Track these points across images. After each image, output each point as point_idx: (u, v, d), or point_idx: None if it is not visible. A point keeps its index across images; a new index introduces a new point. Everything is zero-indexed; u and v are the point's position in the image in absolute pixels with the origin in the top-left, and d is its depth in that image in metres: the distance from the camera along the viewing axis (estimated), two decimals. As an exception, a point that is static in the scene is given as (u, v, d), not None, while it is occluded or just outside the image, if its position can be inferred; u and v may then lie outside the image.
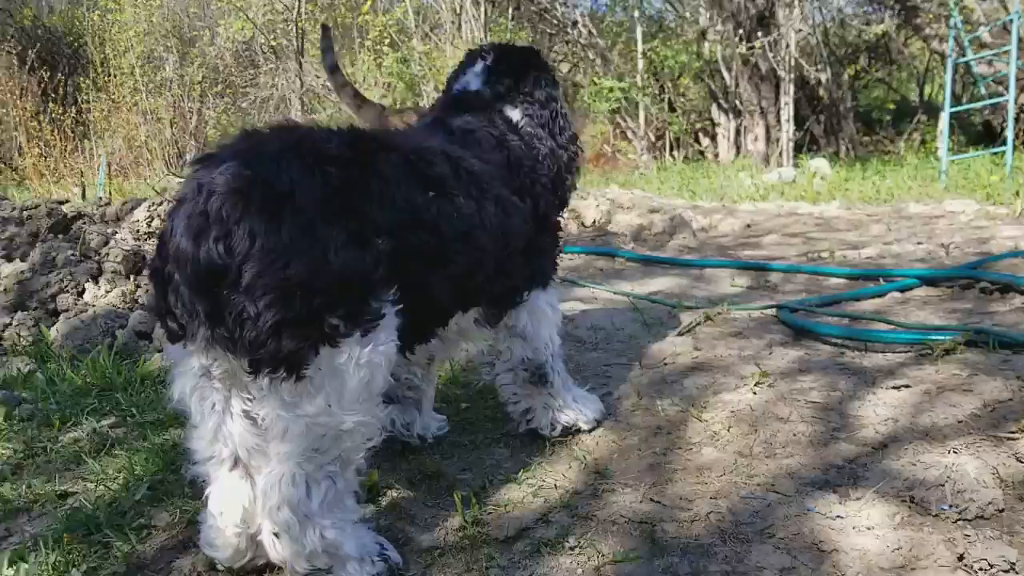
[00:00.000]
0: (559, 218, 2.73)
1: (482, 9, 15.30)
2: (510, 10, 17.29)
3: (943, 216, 8.03)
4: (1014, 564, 1.82)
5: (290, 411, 1.84)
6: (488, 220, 2.26)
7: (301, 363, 1.80)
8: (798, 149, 15.88)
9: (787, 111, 15.22)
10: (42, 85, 14.08)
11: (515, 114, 2.63)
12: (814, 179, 11.87)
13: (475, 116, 2.57)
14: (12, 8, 17.23)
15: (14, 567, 2.00)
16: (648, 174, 14.57)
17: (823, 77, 16.56)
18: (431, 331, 2.34)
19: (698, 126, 17.94)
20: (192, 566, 2.08)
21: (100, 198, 5.37)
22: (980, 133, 15.50)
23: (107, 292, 4.12)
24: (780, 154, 15.32)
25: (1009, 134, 11.34)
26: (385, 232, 1.94)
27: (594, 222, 7.96)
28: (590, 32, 17.85)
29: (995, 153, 12.21)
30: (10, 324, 3.96)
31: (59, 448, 2.87)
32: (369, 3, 16.51)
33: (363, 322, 1.87)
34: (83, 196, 9.04)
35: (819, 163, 13.26)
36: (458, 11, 16.19)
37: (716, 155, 16.88)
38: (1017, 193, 8.77)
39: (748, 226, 7.89)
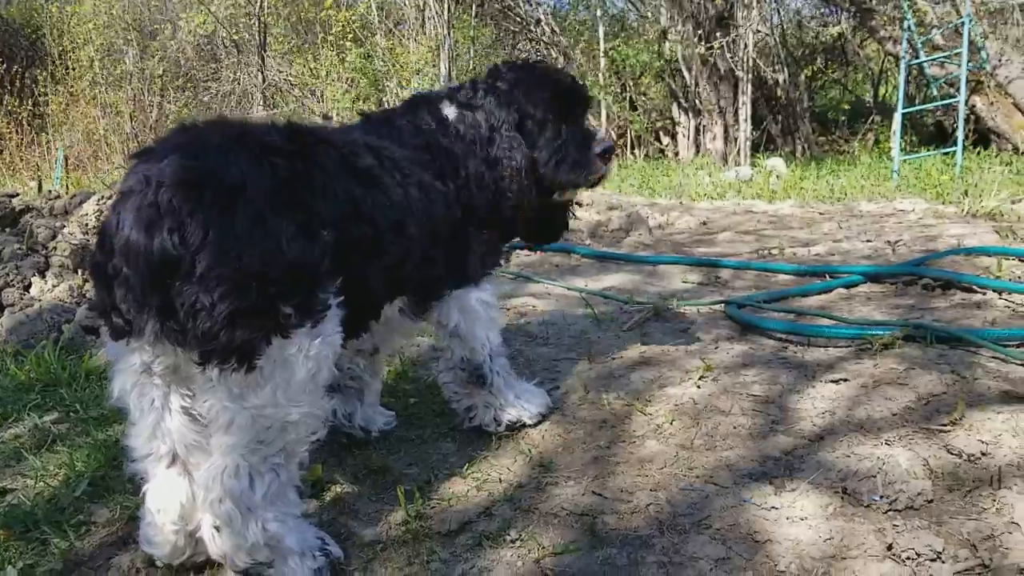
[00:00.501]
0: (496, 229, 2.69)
1: (445, 5, 15.24)
2: (473, 7, 17.26)
3: (893, 215, 8.16)
4: (940, 553, 1.87)
5: (237, 402, 1.84)
6: (414, 206, 2.30)
7: (253, 353, 1.81)
8: (755, 148, 16.05)
9: (745, 111, 15.37)
10: (-2, 77, 13.83)
11: (449, 111, 2.64)
12: (770, 178, 12.01)
13: (404, 111, 2.64)
14: (-33, 0, 16.88)
15: (-52, 564, 1.97)
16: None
17: (780, 77, 16.74)
18: (365, 323, 2.35)
19: (659, 125, 18.06)
20: (131, 563, 2.07)
21: (50, 191, 5.29)
22: (932, 133, 15.76)
23: (54, 286, 4.06)
24: (738, 153, 15.47)
25: (959, 135, 11.56)
26: (329, 224, 1.97)
27: (552, 219, 7.98)
28: (553, 30, 17.91)
29: (946, 153, 12.44)
30: (-48, 319, 3.90)
31: (-1, 444, 2.83)
32: (331, -2, 16.39)
33: (313, 313, 1.89)
34: (39, 190, 8.90)
35: (775, 162, 13.43)
36: (422, 7, 16.15)
37: (676, 153, 17.00)
38: (966, 192, 8.94)
39: (704, 223, 7.97)
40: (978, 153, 12.90)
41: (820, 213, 8.55)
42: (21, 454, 2.72)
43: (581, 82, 2.84)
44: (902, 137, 12.80)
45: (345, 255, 2.02)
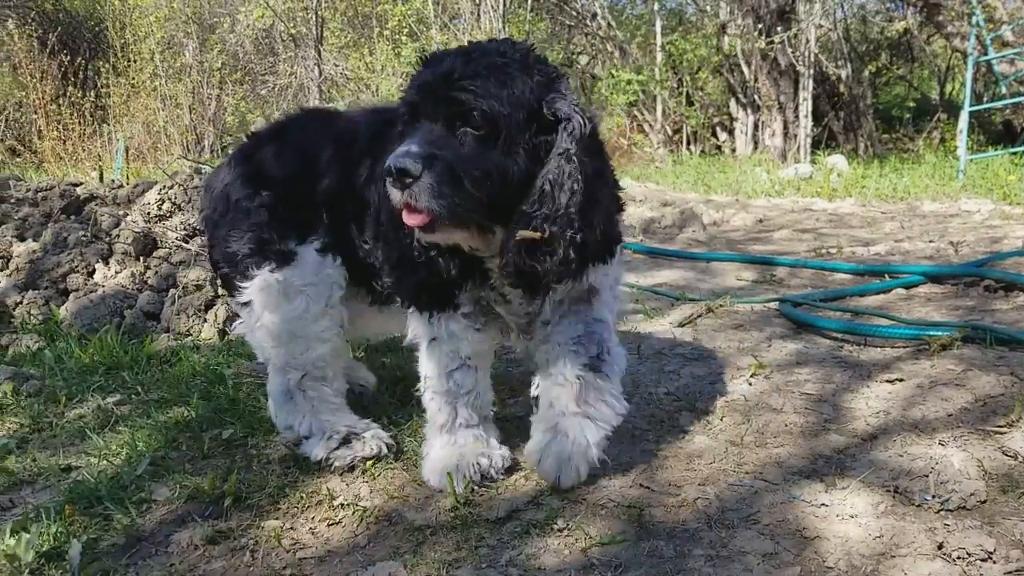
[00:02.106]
0: None
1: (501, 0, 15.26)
2: (529, 1, 17.25)
3: (957, 215, 7.99)
4: (991, 553, 1.84)
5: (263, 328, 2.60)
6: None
7: (232, 288, 2.62)
8: (816, 145, 15.78)
9: (806, 107, 15.14)
10: (62, 69, 14.14)
11: None
12: (831, 176, 11.80)
13: None
14: (34, -9, 17.32)
15: (16, 537, 2.04)
16: (664, 167, 14.53)
17: (843, 73, 16.44)
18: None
19: (716, 120, 17.85)
20: (189, 539, 2.13)
21: (113, 181, 5.45)
22: (1000, 132, 15.34)
23: (117, 273, 4.19)
24: (798, 150, 15.24)
25: (1029, 134, 11.25)
26: (274, 186, 2.55)
27: (606, 214, 7.96)
28: (609, 24, 17.81)
29: (1014, 153, 12.11)
30: (21, 302, 4.03)
31: (64, 423, 2.93)
32: (388, -9, 16.53)
33: (271, 260, 2.50)
34: (100, 179, 9.14)
35: (836, 160, 13.20)
36: (477, 2, 16.18)
37: (733, 150, 16.80)
38: (1034, 193, 8.72)
39: (760, 221, 7.89)
40: (1048, 153, 12.54)
41: (882, 212, 8.41)
42: (85, 433, 2.81)
43: None
44: (969, 136, 12.49)
45: (304, 206, 2.54)
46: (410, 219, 1.93)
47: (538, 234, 1.96)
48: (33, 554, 2.02)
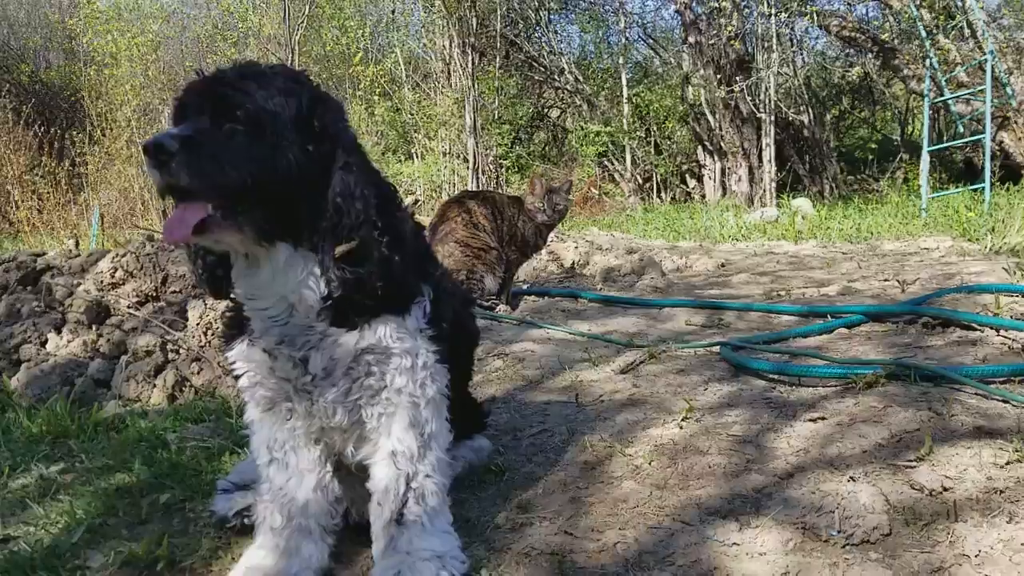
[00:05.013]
0: None
1: (469, 59, 15.58)
2: (498, 59, 17.61)
3: (916, 253, 8.15)
4: (888, 586, 1.90)
5: None
6: None
7: None
8: (782, 189, 16.08)
9: (769, 152, 15.46)
10: (38, 139, 14.28)
11: None
12: (796, 218, 12.02)
13: None
14: (9, 64, 17.55)
15: (-55, 609, 2.07)
16: (635, 216, 14.73)
17: (805, 118, 16.80)
18: None
19: (684, 168, 18.18)
20: (118, 605, 2.15)
21: (70, 251, 5.52)
22: (962, 170, 15.70)
23: (69, 342, 4.23)
24: (764, 194, 15.51)
25: (986, 171, 11.53)
26: None
27: (572, 264, 8.08)
28: (576, 79, 18.19)
29: (975, 189, 12.38)
30: (-27, 374, 4.07)
31: (6, 494, 2.94)
32: (360, 55, 16.84)
33: None
34: (76, 247, 9.21)
35: (801, 202, 13.45)
36: (447, 61, 16.51)
37: (703, 196, 17.08)
38: (993, 229, 8.89)
39: (722, 265, 8.01)
40: (1007, 189, 12.82)
41: (843, 253, 8.56)
42: (26, 503, 2.83)
43: None
44: (932, 174, 12.79)
45: None
46: (184, 215, 1.82)
47: (352, 243, 1.92)
48: (-40, 626, 2.04)
